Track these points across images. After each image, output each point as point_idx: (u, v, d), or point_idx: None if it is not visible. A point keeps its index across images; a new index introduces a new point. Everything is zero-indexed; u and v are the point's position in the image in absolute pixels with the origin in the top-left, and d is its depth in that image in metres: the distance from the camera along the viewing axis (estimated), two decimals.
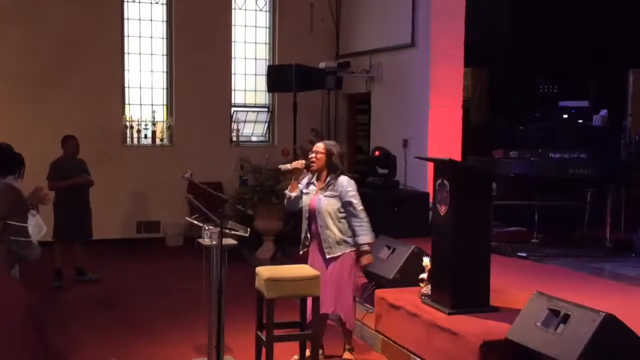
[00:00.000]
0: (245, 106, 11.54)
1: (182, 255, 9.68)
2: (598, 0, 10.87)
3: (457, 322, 5.04)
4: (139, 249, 10.21)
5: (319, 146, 5.45)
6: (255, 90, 11.57)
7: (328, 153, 5.39)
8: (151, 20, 10.94)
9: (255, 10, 11.54)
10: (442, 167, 5.61)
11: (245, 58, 11.49)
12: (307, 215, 5.44)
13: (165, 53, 10.97)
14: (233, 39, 11.29)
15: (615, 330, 4.09)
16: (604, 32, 10.50)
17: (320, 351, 5.35)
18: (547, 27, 10.83)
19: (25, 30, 10.06)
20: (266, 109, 11.63)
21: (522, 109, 11.02)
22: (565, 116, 10.84)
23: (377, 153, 9.38)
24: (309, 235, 5.48)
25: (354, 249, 5.38)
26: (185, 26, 10.83)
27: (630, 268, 7.22)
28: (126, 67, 10.77)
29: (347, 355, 5.56)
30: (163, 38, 10.98)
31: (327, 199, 5.32)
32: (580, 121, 10.51)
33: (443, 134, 9.13)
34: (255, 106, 11.61)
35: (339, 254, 5.33)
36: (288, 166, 5.51)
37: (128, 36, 10.79)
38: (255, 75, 11.51)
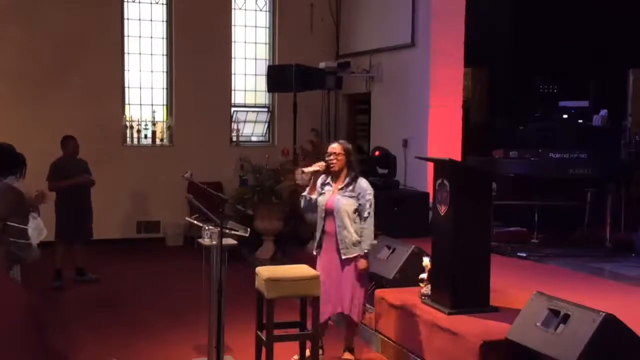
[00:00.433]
0: (245, 106, 11.55)
1: (182, 255, 9.68)
2: (598, 0, 10.87)
3: (457, 322, 5.04)
4: (139, 249, 10.21)
5: (336, 147, 5.40)
6: (255, 90, 11.57)
7: (346, 153, 5.38)
8: (151, 20, 10.94)
9: (255, 10, 11.54)
10: (442, 167, 5.61)
11: (245, 58, 11.49)
12: (322, 215, 5.40)
13: (165, 53, 10.97)
14: (233, 39, 11.29)
15: (615, 330, 4.10)
16: (604, 32, 10.50)
17: (320, 351, 5.35)
18: (547, 27, 10.83)
19: (25, 30, 10.06)
20: (266, 109, 11.63)
21: (522, 109, 11.02)
22: (565, 116, 10.85)
23: (377, 153, 9.38)
24: (324, 236, 5.43)
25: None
26: (185, 26, 10.83)
27: (630, 268, 7.22)
28: (126, 67, 10.77)
29: (347, 355, 5.56)
30: (163, 38, 10.98)
31: (346, 199, 5.29)
32: (580, 121, 10.52)
33: (443, 134, 9.13)
34: (255, 106, 11.61)
35: (354, 254, 5.31)
36: (310, 169, 5.49)
37: (128, 36, 10.79)
38: (255, 75, 11.51)
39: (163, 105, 11.07)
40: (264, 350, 5.11)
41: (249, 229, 5.37)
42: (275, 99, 11.40)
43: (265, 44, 11.58)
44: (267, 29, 11.58)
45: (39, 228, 2.96)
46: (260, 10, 11.56)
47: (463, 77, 9.64)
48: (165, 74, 11.01)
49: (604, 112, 9.94)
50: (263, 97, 11.61)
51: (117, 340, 6.11)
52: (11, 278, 2.33)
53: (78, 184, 8.11)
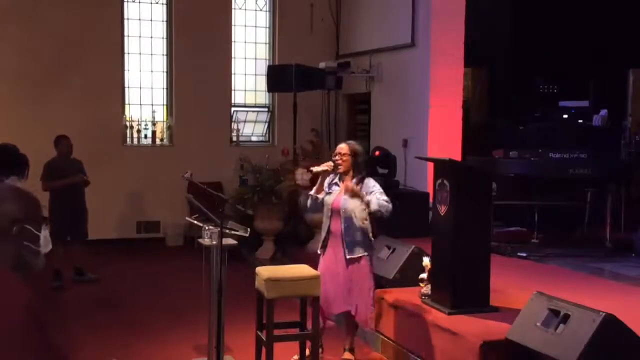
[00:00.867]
0: (245, 106, 11.54)
1: (182, 255, 9.67)
2: (598, 0, 10.87)
3: (457, 322, 5.04)
4: (138, 249, 10.21)
5: (343, 147, 5.41)
6: (255, 90, 11.57)
7: (353, 153, 5.38)
8: (151, 20, 10.93)
9: (255, 10, 11.54)
10: (442, 167, 5.61)
11: (245, 58, 11.49)
12: (329, 214, 5.40)
13: (165, 53, 10.97)
14: (233, 39, 11.29)
15: (615, 330, 4.10)
16: (604, 32, 10.50)
17: (320, 351, 5.35)
18: (547, 27, 10.83)
19: (25, 30, 10.06)
20: (266, 109, 11.63)
21: (522, 109, 11.02)
22: (565, 116, 10.85)
23: (377, 153, 9.37)
24: (329, 236, 5.43)
25: (372, 252, 5.42)
26: (185, 26, 10.82)
27: (630, 268, 7.22)
28: (126, 67, 10.77)
29: (347, 355, 5.55)
30: (163, 38, 10.98)
31: (353, 200, 5.28)
32: (580, 121, 10.52)
33: (443, 134, 9.13)
34: (255, 106, 11.61)
35: (360, 255, 5.31)
36: (319, 169, 5.49)
37: (128, 36, 10.79)
38: (255, 75, 11.51)
39: (163, 105, 11.06)
40: (264, 350, 5.11)
41: (249, 229, 5.37)
42: (275, 99, 11.40)
43: (265, 43, 11.58)
44: (267, 29, 11.57)
45: (47, 239, 2.95)
46: (260, 10, 11.56)
47: (463, 77, 9.64)
48: (165, 73, 11.00)
49: (604, 112, 9.95)
50: (263, 97, 11.61)
51: (117, 340, 6.11)
52: (14, 277, 2.33)
53: (72, 184, 8.05)
